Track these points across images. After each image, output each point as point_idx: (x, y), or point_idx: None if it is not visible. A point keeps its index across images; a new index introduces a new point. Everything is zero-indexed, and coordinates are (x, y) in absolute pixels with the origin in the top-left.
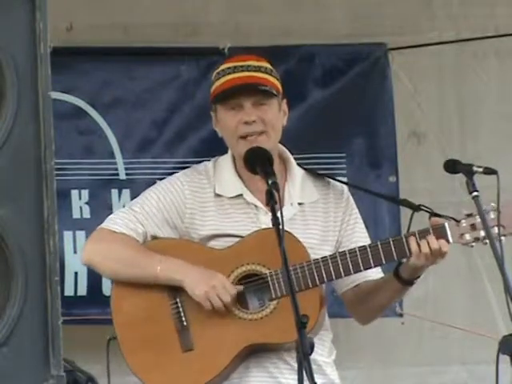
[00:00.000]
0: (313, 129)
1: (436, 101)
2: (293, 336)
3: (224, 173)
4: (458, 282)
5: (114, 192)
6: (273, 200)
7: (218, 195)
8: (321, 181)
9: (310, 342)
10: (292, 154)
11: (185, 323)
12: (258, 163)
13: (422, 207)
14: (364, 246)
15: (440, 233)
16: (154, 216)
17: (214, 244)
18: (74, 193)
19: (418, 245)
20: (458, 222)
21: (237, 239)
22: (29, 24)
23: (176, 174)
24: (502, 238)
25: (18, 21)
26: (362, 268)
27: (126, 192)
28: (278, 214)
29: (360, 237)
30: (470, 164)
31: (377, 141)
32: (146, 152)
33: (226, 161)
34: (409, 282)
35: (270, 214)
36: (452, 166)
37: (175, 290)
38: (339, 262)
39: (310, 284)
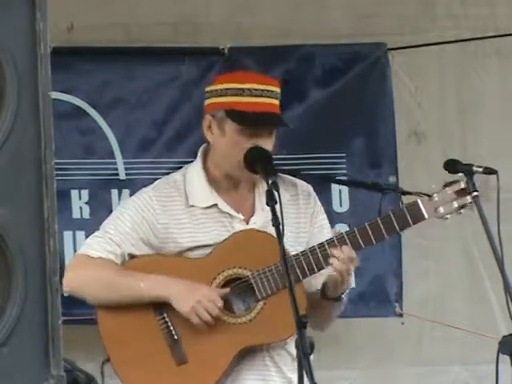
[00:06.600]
0: (313, 129)
1: (436, 101)
2: (284, 334)
3: (195, 184)
4: (458, 282)
5: (114, 192)
6: (273, 200)
7: (190, 206)
8: (289, 183)
9: (310, 342)
10: (291, 154)
11: (175, 337)
12: (258, 162)
13: (387, 188)
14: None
15: (414, 210)
16: (129, 235)
17: (193, 255)
18: (74, 193)
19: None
20: (430, 196)
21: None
22: (29, 24)
23: (144, 189)
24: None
25: (18, 21)
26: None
27: (126, 192)
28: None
29: (327, 236)
30: (469, 164)
31: (377, 141)
32: (146, 152)
33: (196, 172)
34: (337, 299)
35: (244, 221)
36: (452, 166)
37: (160, 306)
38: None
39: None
